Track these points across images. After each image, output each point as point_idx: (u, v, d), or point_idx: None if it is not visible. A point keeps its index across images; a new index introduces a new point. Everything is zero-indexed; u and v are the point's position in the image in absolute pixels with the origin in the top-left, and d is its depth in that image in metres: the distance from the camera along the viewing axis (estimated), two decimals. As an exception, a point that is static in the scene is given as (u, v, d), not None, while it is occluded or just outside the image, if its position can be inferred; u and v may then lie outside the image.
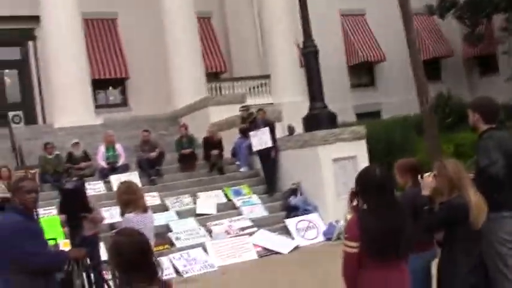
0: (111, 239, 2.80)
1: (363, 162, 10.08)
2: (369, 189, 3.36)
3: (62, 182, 4.84)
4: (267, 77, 17.61)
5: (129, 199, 5.16)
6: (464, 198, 3.70)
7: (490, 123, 4.38)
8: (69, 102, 14.16)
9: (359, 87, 21.38)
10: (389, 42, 20.65)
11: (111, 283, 5.10)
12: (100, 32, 17.83)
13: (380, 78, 21.85)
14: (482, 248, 4.12)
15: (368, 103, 20.57)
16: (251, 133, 11.22)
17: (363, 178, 3.46)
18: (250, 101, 15.01)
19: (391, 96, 20.69)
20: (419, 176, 4.13)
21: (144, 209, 5.28)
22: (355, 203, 9.53)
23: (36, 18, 15.89)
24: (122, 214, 5.24)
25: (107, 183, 10.99)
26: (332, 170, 10.07)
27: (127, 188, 5.33)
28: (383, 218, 3.25)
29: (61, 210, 4.60)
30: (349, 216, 9.69)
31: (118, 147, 11.65)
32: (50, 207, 9.57)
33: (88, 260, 4.91)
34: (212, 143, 11.96)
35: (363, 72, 21.95)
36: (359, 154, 10.17)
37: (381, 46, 21.08)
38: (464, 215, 3.66)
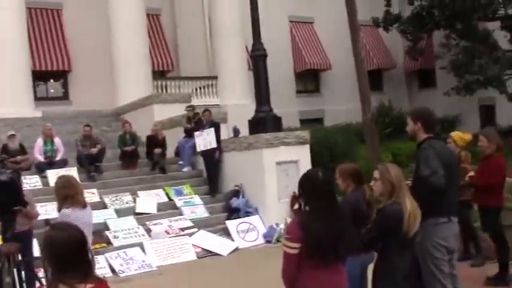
0: (46, 233, 2.70)
1: (306, 166, 10.20)
2: (311, 191, 3.41)
3: (-4, 174, 4.63)
4: (215, 77, 17.59)
5: (67, 194, 5.01)
6: (400, 204, 3.81)
7: (429, 132, 4.56)
8: (7, 93, 13.58)
9: (304, 94, 21.72)
10: (335, 51, 21.12)
11: (43, 280, 4.93)
12: (44, 22, 17.27)
13: (325, 85, 22.29)
14: (417, 252, 4.26)
15: (312, 110, 20.94)
16: (196, 133, 11.16)
17: (305, 180, 3.51)
18: (196, 101, 14.95)
19: (335, 104, 21.14)
20: None
21: (83, 205, 5.14)
22: (296, 207, 9.68)
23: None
24: (59, 209, 5.08)
25: (44, 178, 10.61)
26: (275, 173, 10.15)
27: (65, 182, 5.18)
28: (324, 221, 3.31)
29: (-6, 203, 4.40)
30: (289, 220, 9.86)
31: (57, 141, 11.29)
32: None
33: (20, 256, 4.73)
34: (156, 141, 11.79)
35: (309, 79, 22.33)
36: (302, 158, 10.30)
37: (328, 55, 21.51)
38: (399, 222, 3.75)
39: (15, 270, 4.54)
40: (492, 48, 18.19)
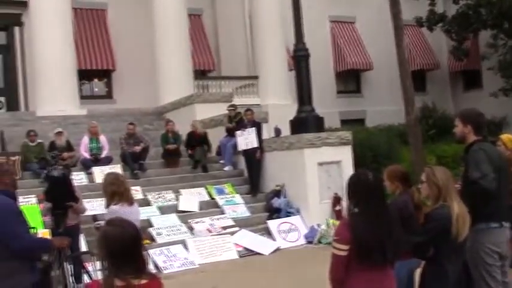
0: (102, 228, 2.75)
1: (348, 167, 10.14)
2: (360, 193, 3.38)
3: (48, 169, 4.74)
4: (255, 77, 17.61)
5: (115, 190, 5.12)
6: (448, 208, 3.73)
7: (478, 135, 4.45)
8: (53, 91, 13.95)
9: (345, 94, 21.50)
10: (377, 51, 20.84)
11: (92, 274, 5.04)
12: (89, 23, 17.63)
13: (366, 86, 22.01)
14: (468, 258, 4.16)
15: (353, 110, 20.71)
16: (237, 132, 11.20)
17: (354, 182, 3.48)
18: (236, 101, 14.98)
19: (376, 105, 20.85)
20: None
21: (130, 202, 5.24)
22: (338, 208, 9.67)
23: (23, 4, 15.70)
24: (107, 206, 5.19)
25: (89, 175, 10.87)
26: (317, 173, 10.09)
27: (114, 179, 5.29)
28: (373, 223, 3.27)
29: (47, 198, 4.51)
30: (331, 221, 9.76)
31: (102, 138, 11.53)
32: (30, 196, 9.43)
33: (69, 250, 4.84)
34: (195, 137, 11.89)
35: (350, 79, 22.09)
36: (344, 159, 10.20)
37: (369, 54, 21.24)
38: (447, 226, 3.68)
39: (65, 264, 4.64)
40: (542, 48, 17.60)
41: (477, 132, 4.43)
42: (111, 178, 5.30)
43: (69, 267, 5.00)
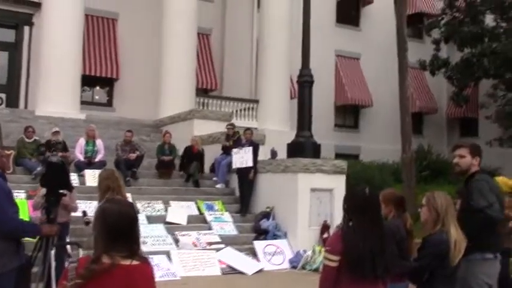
0: (101, 205, 2.75)
1: (340, 196, 10.03)
2: (356, 206, 3.40)
3: (47, 155, 4.75)
4: (256, 101, 17.73)
5: (109, 185, 5.11)
6: (447, 233, 3.74)
7: (479, 166, 4.52)
8: (55, 93, 14.01)
9: (342, 128, 21.65)
10: (378, 89, 21.11)
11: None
12: (99, 30, 17.81)
13: (364, 122, 22.18)
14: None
15: (349, 145, 20.83)
16: (234, 150, 11.23)
17: (351, 195, 3.52)
18: (235, 122, 15.05)
19: (372, 142, 21.00)
20: None
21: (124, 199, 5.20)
22: (325, 236, 9.68)
23: (37, 5, 15.87)
24: (100, 200, 5.16)
25: (81, 177, 10.82)
26: (308, 199, 10.09)
27: (109, 174, 5.30)
28: (365, 236, 3.28)
29: (42, 183, 4.50)
30: (318, 247, 9.71)
31: (98, 142, 11.53)
32: (19, 191, 9.38)
33: (56, 239, 4.79)
34: (193, 153, 11.90)
35: (349, 114, 22.28)
36: (337, 188, 10.21)
37: (370, 91, 21.48)
38: (446, 251, 3.69)
39: (50, 255, 4.58)
40: (541, 103, 17.86)
41: (479, 165, 4.51)
42: (106, 173, 5.31)
43: (53, 264, 4.93)
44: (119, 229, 2.56)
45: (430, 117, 23.66)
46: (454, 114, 23.28)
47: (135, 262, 2.57)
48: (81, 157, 11.21)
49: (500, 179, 7.11)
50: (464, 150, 4.49)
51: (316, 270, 8.78)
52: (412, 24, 21.55)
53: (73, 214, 7.98)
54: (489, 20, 19.70)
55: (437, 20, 20.82)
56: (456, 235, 3.72)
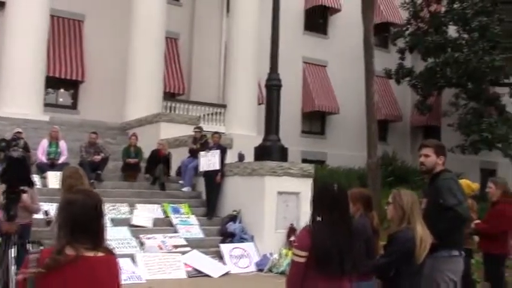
0: (65, 196, 2.67)
1: (307, 200, 10.02)
2: (325, 202, 3.39)
3: (7, 150, 4.60)
4: (223, 106, 17.70)
5: (73, 184, 4.97)
6: (412, 230, 3.78)
7: (444, 165, 4.60)
8: (18, 93, 13.68)
9: (309, 134, 21.81)
10: (345, 97, 21.35)
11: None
12: (64, 32, 17.49)
13: (330, 129, 22.40)
14: (424, 285, 4.19)
15: (315, 151, 20.99)
16: (201, 153, 11.16)
17: (320, 191, 3.50)
18: (203, 127, 14.96)
19: (338, 148, 21.21)
20: None
21: (87, 198, 5.08)
22: (292, 239, 9.69)
23: (1, 4, 15.48)
24: (63, 200, 5.03)
25: (43, 179, 10.56)
26: (275, 202, 10.08)
27: (73, 172, 5.17)
28: (334, 232, 3.28)
29: (3, 179, 4.35)
30: (284, 250, 9.71)
31: (61, 144, 11.28)
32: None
33: (16, 237, 4.64)
34: (159, 157, 11.77)
35: (315, 121, 22.46)
36: (304, 191, 10.22)
37: (337, 99, 21.71)
38: (412, 248, 3.72)
39: (11, 251, 4.44)
40: (501, 111, 18.38)
41: (443, 164, 4.58)
42: (69, 171, 5.18)
43: (13, 268, 4.77)
44: (83, 220, 2.49)
45: (395, 125, 24.08)
46: (418, 122, 23.77)
47: (99, 254, 2.50)
48: (43, 159, 10.94)
49: (463, 182, 7.25)
50: (428, 150, 4.56)
51: (282, 273, 8.76)
52: (378, 34, 21.94)
53: (35, 216, 7.79)
54: (452, 31, 20.24)
55: (403, 30, 21.27)
56: (422, 232, 3.76)
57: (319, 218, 3.40)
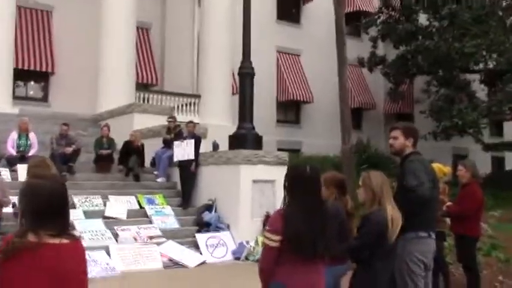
0: (27, 182, 2.57)
1: (282, 188, 10.15)
2: (297, 185, 3.37)
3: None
4: (198, 96, 17.57)
5: (39, 173, 4.85)
6: (384, 211, 3.79)
7: (415, 148, 4.61)
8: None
9: (284, 124, 21.83)
10: (319, 86, 21.43)
11: None
12: (32, 23, 17.11)
13: (305, 118, 22.47)
14: (395, 265, 4.22)
15: (290, 140, 21.04)
16: (175, 143, 11.05)
17: (292, 174, 3.47)
18: (176, 117, 14.82)
19: (313, 137, 21.31)
20: None
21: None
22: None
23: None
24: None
25: (14, 172, 10.33)
26: (250, 190, 10.05)
27: (39, 161, 5.06)
28: (306, 215, 3.26)
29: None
30: (260, 238, 9.70)
31: (31, 136, 11.04)
32: None
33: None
34: (132, 148, 11.62)
35: (290, 110, 22.50)
36: (279, 179, 10.14)
37: (311, 88, 21.77)
38: (384, 229, 3.74)
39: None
40: (471, 97, 18.67)
41: (414, 146, 4.59)
42: (36, 161, 5.07)
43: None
44: (47, 206, 2.39)
45: (369, 113, 24.28)
46: (391, 109, 24.01)
47: (64, 241, 2.41)
48: (13, 151, 10.70)
49: (435, 165, 7.32)
50: (397, 132, 4.59)
51: (258, 261, 8.76)
52: (351, 22, 22.03)
53: (4, 210, 7.64)
54: (423, 19, 20.44)
55: (375, 19, 21.40)
56: (392, 213, 3.78)
57: (291, 201, 3.38)
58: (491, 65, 19.25)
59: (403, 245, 4.13)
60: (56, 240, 2.39)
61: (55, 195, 2.44)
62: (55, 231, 2.39)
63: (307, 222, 3.24)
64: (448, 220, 7.08)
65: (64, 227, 2.47)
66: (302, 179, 3.38)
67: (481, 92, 20.28)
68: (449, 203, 6.63)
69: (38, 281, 2.30)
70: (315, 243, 3.24)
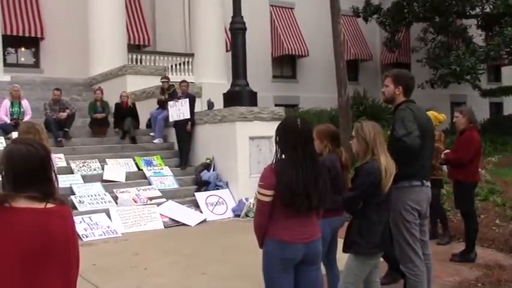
0: (6, 147, 2.50)
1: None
2: (288, 139, 3.30)
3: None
4: (191, 55, 17.31)
5: (21, 139, 4.79)
6: (377, 161, 3.75)
7: (407, 96, 4.51)
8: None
9: (280, 79, 21.62)
10: (314, 39, 21.08)
11: None
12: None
13: (301, 72, 22.23)
14: (390, 216, 4.21)
15: (287, 95, 20.86)
16: (170, 103, 10.95)
17: (283, 127, 3.40)
18: (171, 78, 14.62)
19: (310, 91, 21.12)
20: None
21: (47, 153, 4.91)
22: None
23: None
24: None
25: (8, 140, 10.25)
26: (247, 147, 10.02)
27: (30, 127, 4.97)
28: (299, 169, 3.21)
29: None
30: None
31: (24, 103, 10.93)
32: None
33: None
34: (124, 109, 11.54)
35: (286, 65, 22.22)
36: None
37: (306, 41, 21.44)
38: (378, 179, 3.70)
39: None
40: (468, 43, 18.40)
41: (406, 94, 4.49)
42: (27, 126, 4.98)
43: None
44: (29, 171, 2.34)
45: (365, 64, 24.01)
46: (388, 60, 23.71)
47: (49, 205, 2.37)
48: (7, 119, 10.62)
49: (430, 113, 7.26)
50: (388, 80, 4.49)
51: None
52: (344, -29, 21.45)
53: None
54: (418, -36, 19.89)
55: (368, -34, 20.86)
56: (386, 162, 3.74)
57: (283, 155, 3.33)
58: (488, 9, 18.87)
59: (397, 195, 4.11)
60: (41, 205, 2.34)
61: (31, 159, 2.37)
62: (39, 196, 2.34)
63: (299, 175, 3.20)
64: (445, 168, 7.08)
65: (48, 190, 2.41)
66: (293, 132, 3.32)
67: (478, 37, 19.97)
68: (447, 151, 6.60)
69: (19, 245, 2.26)
70: (308, 196, 3.21)
